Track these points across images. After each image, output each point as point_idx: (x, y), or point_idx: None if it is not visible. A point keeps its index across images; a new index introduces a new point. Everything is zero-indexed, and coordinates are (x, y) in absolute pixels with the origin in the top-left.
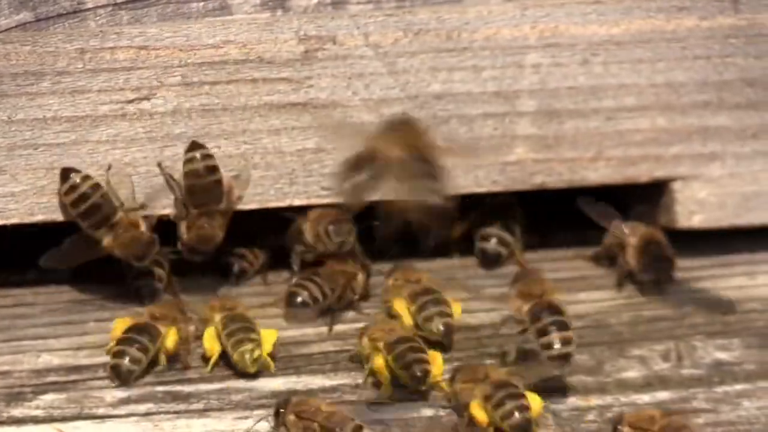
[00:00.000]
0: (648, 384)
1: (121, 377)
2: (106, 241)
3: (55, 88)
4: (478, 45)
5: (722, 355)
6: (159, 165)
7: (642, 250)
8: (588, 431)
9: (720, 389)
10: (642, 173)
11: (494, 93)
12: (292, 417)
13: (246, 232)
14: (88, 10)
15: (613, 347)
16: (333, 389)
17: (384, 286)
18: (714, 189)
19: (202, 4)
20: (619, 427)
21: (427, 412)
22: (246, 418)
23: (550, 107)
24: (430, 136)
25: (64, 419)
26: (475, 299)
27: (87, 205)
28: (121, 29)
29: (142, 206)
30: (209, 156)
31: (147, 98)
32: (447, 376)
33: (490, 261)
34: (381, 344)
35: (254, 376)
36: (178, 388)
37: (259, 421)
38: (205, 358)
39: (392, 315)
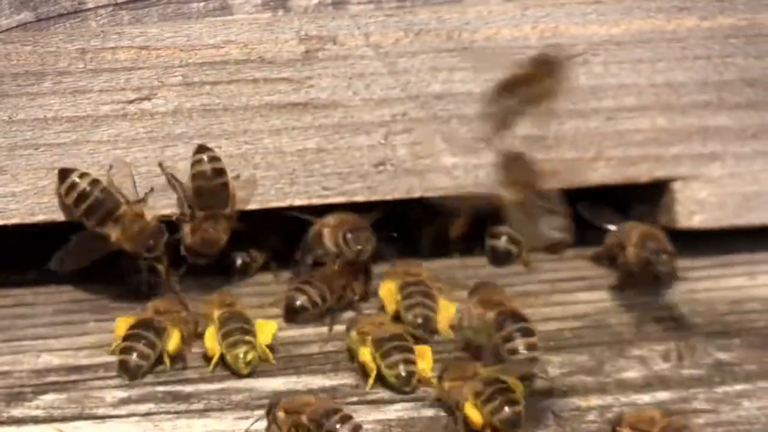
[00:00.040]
0: (648, 384)
1: (129, 373)
2: (114, 235)
3: (56, 88)
4: (478, 45)
5: (722, 355)
6: (160, 165)
7: (642, 246)
8: (588, 431)
9: (720, 389)
10: (642, 173)
11: None
12: (281, 413)
13: (247, 231)
14: (89, 10)
15: (613, 347)
16: (333, 389)
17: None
18: (714, 189)
19: (202, 4)
20: (619, 428)
21: (428, 412)
22: (246, 418)
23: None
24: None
25: (64, 419)
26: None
27: (89, 202)
28: (122, 29)
29: (145, 199)
30: (217, 158)
31: (148, 98)
32: (436, 373)
33: (501, 259)
34: (369, 338)
35: (254, 376)
36: (178, 388)
37: (256, 420)
38: (207, 358)
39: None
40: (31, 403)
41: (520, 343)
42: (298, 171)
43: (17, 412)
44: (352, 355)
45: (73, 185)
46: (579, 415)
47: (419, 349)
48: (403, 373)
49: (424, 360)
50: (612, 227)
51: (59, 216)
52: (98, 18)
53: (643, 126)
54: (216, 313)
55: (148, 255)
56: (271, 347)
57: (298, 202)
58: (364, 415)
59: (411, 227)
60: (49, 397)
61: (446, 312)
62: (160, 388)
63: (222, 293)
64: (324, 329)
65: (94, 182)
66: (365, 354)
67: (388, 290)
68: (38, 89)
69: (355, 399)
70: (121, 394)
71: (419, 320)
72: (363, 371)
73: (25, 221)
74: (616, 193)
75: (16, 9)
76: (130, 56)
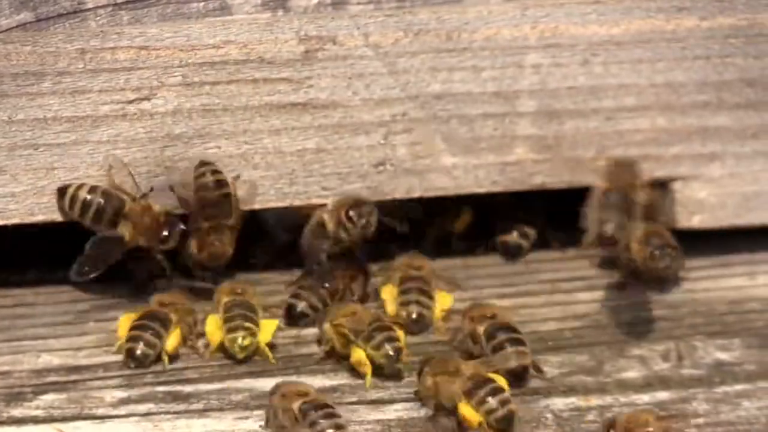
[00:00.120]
0: (648, 384)
1: (136, 361)
2: (127, 233)
3: (56, 89)
4: (478, 45)
5: (722, 356)
6: (171, 188)
7: (646, 243)
8: (588, 431)
9: (720, 389)
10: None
11: (494, 93)
12: (278, 396)
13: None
14: (89, 10)
15: (613, 347)
16: (333, 389)
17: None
18: (714, 189)
19: (202, 4)
20: (612, 431)
21: (428, 412)
22: (246, 418)
23: (550, 107)
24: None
25: (64, 419)
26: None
27: (93, 209)
28: (121, 29)
29: (149, 193)
30: (219, 171)
31: (147, 98)
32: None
33: (512, 253)
34: (346, 330)
35: (254, 376)
36: (178, 388)
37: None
38: (206, 345)
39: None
40: (31, 403)
41: (510, 353)
42: (298, 171)
43: (17, 412)
44: (331, 345)
45: (74, 198)
46: (579, 415)
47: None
48: (391, 352)
49: (441, 303)
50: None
51: (59, 216)
52: (98, 18)
53: (642, 126)
54: (223, 300)
55: (163, 247)
56: (270, 345)
57: (297, 203)
58: (363, 415)
59: (412, 227)
60: (48, 397)
61: (442, 304)
62: (160, 388)
63: (234, 282)
64: None
65: (93, 189)
66: (359, 354)
67: (389, 292)
68: (38, 89)
69: (354, 399)
70: (121, 394)
71: (414, 316)
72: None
73: (24, 221)
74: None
75: (15, 9)
76: (130, 56)
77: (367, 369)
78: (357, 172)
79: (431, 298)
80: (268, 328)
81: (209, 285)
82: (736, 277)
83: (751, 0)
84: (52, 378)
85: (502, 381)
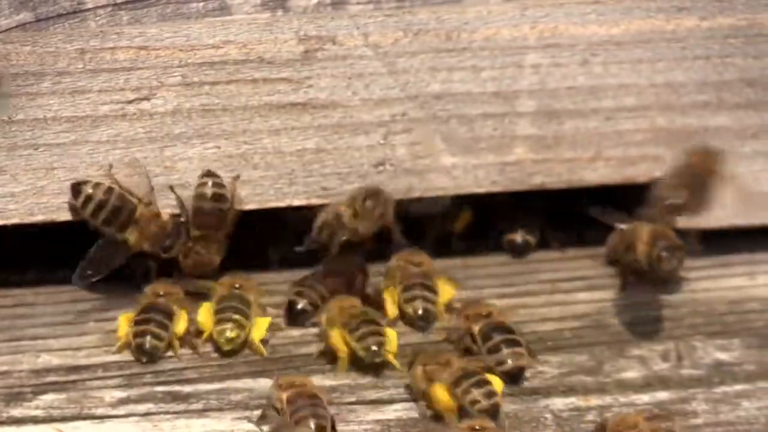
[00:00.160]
0: (648, 384)
1: (147, 354)
2: (133, 239)
3: (56, 89)
4: (477, 45)
5: (722, 356)
6: (171, 188)
7: (653, 244)
8: (587, 431)
9: (719, 389)
10: (641, 173)
11: (494, 93)
12: (277, 386)
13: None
14: (88, 10)
15: (612, 347)
16: (333, 389)
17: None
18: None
19: (202, 4)
20: None
21: (428, 412)
22: (245, 418)
23: (549, 107)
24: None
25: (63, 419)
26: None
27: (107, 211)
28: (121, 29)
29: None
30: (221, 185)
31: (147, 98)
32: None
33: (519, 251)
34: (337, 320)
35: (253, 376)
36: (177, 388)
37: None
38: (198, 334)
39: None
40: (30, 403)
41: (506, 354)
42: (297, 171)
43: (17, 412)
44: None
45: (89, 197)
46: (579, 415)
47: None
48: (374, 347)
49: (390, 344)
50: (623, 226)
51: (58, 216)
52: (97, 18)
53: (642, 126)
54: (219, 292)
55: (165, 255)
56: (263, 340)
57: (297, 202)
58: (362, 415)
59: (413, 227)
60: (48, 397)
61: (445, 295)
62: (159, 388)
63: (235, 276)
64: None
65: (109, 190)
66: (335, 336)
67: (391, 293)
68: (37, 89)
69: (353, 399)
70: (120, 394)
71: (420, 312)
72: (334, 354)
73: (24, 221)
74: (615, 194)
75: (15, 9)
76: (129, 56)
77: (343, 353)
78: (357, 172)
79: (435, 292)
80: (261, 325)
81: (208, 284)
82: (736, 277)
83: (751, 0)
84: (52, 378)
85: (496, 381)
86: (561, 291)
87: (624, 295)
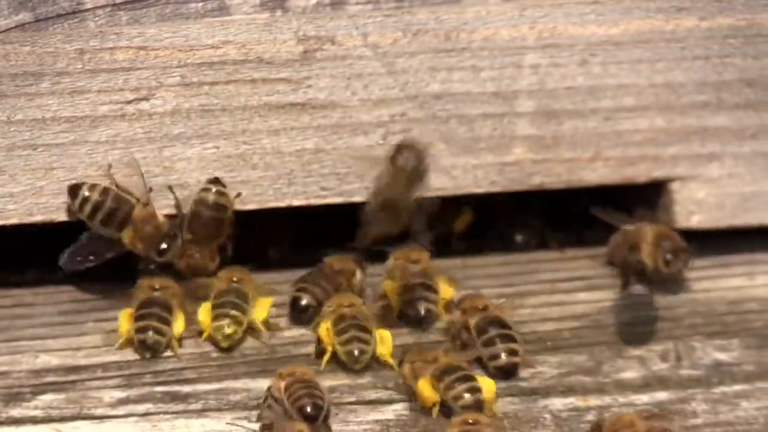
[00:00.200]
0: (647, 384)
1: (150, 349)
2: (128, 238)
3: (55, 89)
4: (476, 45)
5: (721, 356)
6: (170, 188)
7: (658, 245)
8: (586, 431)
9: (718, 390)
10: (640, 173)
11: (493, 93)
12: (278, 376)
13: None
14: (87, 10)
15: (612, 347)
16: (332, 389)
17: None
18: (713, 189)
19: (201, 4)
20: None
21: (426, 412)
22: (244, 418)
23: (548, 108)
24: None
25: (62, 419)
26: None
27: (103, 212)
28: (120, 30)
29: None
30: (224, 194)
31: (146, 98)
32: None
33: (522, 248)
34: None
35: (253, 376)
36: (176, 388)
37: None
38: (200, 332)
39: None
40: (29, 404)
41: (500, 349)
42: (297, 171)
43: (16, 412)
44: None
45: (86, 199)
46: (578, 416)
47: (379, 333)
48: (356, 352)
49: (384, 344)
50: (627, 227)
51: (57, 216)
52: (96, 18)
53: (641, 126)
54: (217, 287)
55: (159, 258)
56: (265, 322)
57: (296, 203)
58: (362, 416)
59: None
60: (47, 398)
61: (445, 294)
62: (159, 389)
63: (232, 269)
64: None
65: (105, 191)
66: (323, 330)
67: (391, 288)
68: (36, 89)
69: (353, 399)
70: (120, 394)
71: (422, 314)
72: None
73: (23, 221)
74: (614, 194)
75: (14, 9)
76: (129, 56)
77: (327, 348)
78: (356, 173)
79: (436, 291)
80: (262, 305)
81: (206, 282)
82: (735, 277)
83: (751, 0)
84: (51, 378)
85: (488, 382)
86: (560, 291)
87: (623, 295)
